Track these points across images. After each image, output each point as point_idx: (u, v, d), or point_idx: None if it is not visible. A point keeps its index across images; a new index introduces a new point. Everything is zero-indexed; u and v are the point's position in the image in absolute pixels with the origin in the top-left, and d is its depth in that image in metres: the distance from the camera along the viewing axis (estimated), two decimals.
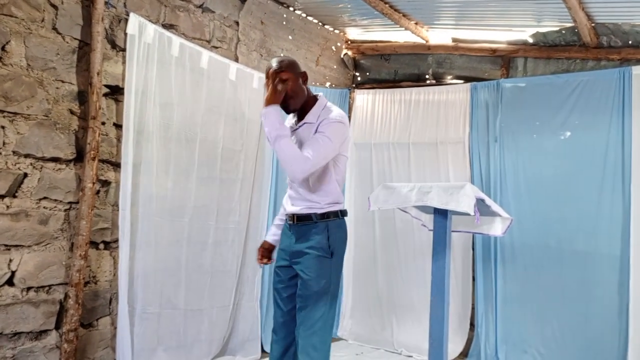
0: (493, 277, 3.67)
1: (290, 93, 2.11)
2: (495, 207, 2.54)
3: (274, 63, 2.13)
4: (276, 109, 2.02)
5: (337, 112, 2.12)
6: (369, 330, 4.15)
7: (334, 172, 2.12)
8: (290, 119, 2.25)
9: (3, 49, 2.40)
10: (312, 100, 2.17)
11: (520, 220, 3.53)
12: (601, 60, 3.65)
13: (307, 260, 2.09)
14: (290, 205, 2.20)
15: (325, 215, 2.11)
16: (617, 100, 3.36)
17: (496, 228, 2.68)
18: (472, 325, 3.82)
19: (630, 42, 3.52)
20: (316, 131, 2.07)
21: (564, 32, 3.68)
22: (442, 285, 2.55)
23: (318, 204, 2.12)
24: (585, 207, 3.39)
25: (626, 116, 3.31)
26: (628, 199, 3.25)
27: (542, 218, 3.54)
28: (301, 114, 2.18)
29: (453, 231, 2.69)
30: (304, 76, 2.17)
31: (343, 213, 2.18)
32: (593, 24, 3.46)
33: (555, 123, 3.58)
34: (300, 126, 2.16)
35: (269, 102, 2.02)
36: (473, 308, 3.81)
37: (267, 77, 2.12)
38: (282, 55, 2.30)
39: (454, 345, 3.72)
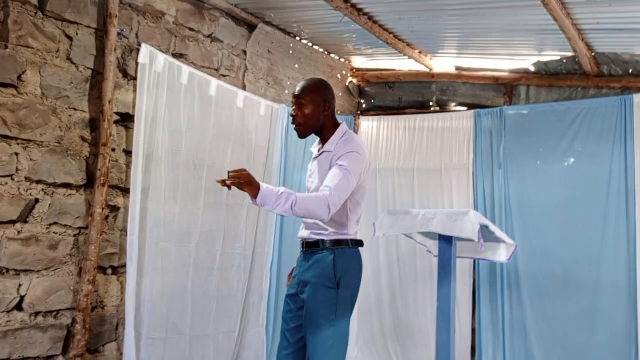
0: (499, 305, 3.64)
1: (301, 120, 2.12)
2: (499, 233, 2.56)
3: (298, 87, 2.14)
4: (262, 192, 1.85)
5: (354, 142, 2.09)
6: (374, 357, 4.11)
7: (348, 200, 2.03)
8: (316, 145, 2.23)
9: (19, 78, 2.48)
10: (334, 128, 2.16)
11: (524, 247, 3.53)
12: (602, 88, 3.71)
13: (311, 290, 2.02)
14: (302, 230, 2.16)
15: (332, 243, 2.04)
16: (619, 127, 3.40)
17: (500, 254, 2.70)
18: (472, 349, 3.78)
19: (630, 70, 3.58)
20: (331, 163, 2.04)
21: (565, 61, 3.75)
22: (448, 311, 2.55)
23: (326, 231, 2.06)
24: (590, 234, 3.40)
25: (628, 143, 3.34)
26: (633, 226, 3.26)
27: (546, 244, 3.54)
28: (323, 140, 2.17)
29: (458, 257, 2.71)
30: (326, 104, 2.13)
31: (355, 242, 2.09)
32: (593, 54, 3.53)
33: (559, 150, 3.61)
34: (320, 154, 2.16)
35: (251, 195, 1.86)
36: (473, 333, 3.78)
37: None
38: (312, 77, 2.28)
39: None
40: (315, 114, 2.12)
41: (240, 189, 1.85)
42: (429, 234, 2.89)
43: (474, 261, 3.77)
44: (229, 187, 1.84)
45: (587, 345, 3.34)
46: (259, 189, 1.85)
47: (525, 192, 3.67)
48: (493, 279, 3.70)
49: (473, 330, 3.79)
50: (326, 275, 2.01)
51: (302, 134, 2.16)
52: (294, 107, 2.15)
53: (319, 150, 2.19)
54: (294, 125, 2.16)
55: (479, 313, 3.73)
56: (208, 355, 3.24)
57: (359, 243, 2.12)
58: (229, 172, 1.85)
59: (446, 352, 2.51)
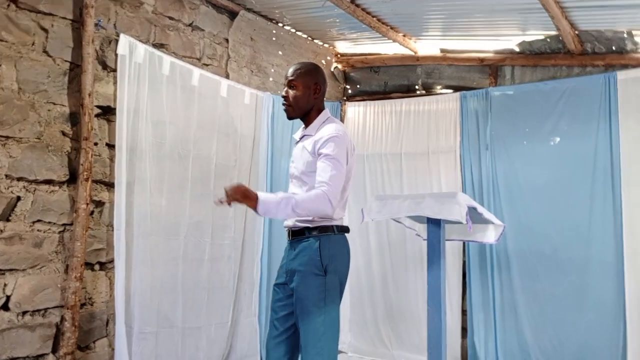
0: (490, 286, 3.67)
1: (291, 101, 2.14)
2: (487, 214, 2.56)
3: (290, 69, 2.18)
4: (261, 201, 1.91)
5: (335, 126, 2.09)
6: (368, 342, 4.14)
7: None
8: (300, 132, 2.24)
9: None
10: (318, 113, 2.18)
11: (513, 227, 3.55)
12: (586, 66, 3.71)
13: (299, 278, 2.03)
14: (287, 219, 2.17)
15: (318, 230, 2.04)
16: (604, 105, 3.41)
17: (489, 235, 2.70)
18: (463, 330, 3.82)
19: (613, 48, 3.58)
20: (315, 151, 2.04)
21: (549, 40, 3.74)
22: (438, 294, 2.56)
23: (311, 218, 2.05)
24: (577, 212, 3.42)
25: (613, 120, 3.36)
26: (619, 203, 3.28)
27: (535, 224, 3.56)
28: (306, 125, 2.20)
29: (447, 240, 2.71)
30: (317, 86, 2.17)
31: (340, 229, 2.10)
32: (577, 32, 3.52)
33: (545, 129, 3.62)
34: (301, 138, 2.19)
35: (251, 207, 1.92)
36: (464, 314, 3.81)
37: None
38: (305, 61, 2.33)
39: (452, 353, 3.71)
40: (305, 95, 2.15)
41: (240, 203, 1.90)
42: (417, 218, 2.89)
43: (464, 243, 3.79)
44: (230, 205, 1.90)
45: (576, 323, 3.38)
46: (257, 199, 1.91)
47: (513, 173, 3.68)
48: (483, 261, 3.72)
49: (464, 311, 3.83)
50: (313, 263, 2.02)
51: (292, 115, 2.19)
52: (285, 89, 2.18)
53: (301, 135, 2.21)
54: (284, 107, 2.19)
55: (470, 294, 3.76)
56: (201, 347, 3.23)
57: (345, 229, 2.13)
58: (225, 189, 1.91)
59: (438, 334, 2.53)
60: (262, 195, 1.93)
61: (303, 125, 2.23)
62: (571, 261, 3.43)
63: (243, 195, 1.90)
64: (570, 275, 3.43)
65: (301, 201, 1.94)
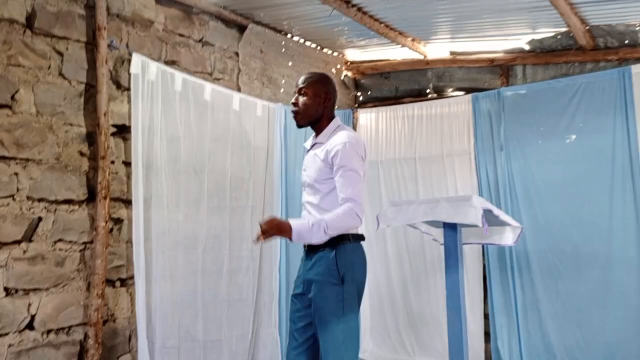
0: (511, 288, 3.62)
1: (301, 108, 2.17)
2: (503, 216, 2.54)
3: (302, 78, 2.23)
4: (295, 232, 1.99)
5: (345, 134, 2.11)
6: (389, 349, 4.11)
7: None
8: (311, 140, 2.26)
9: (13, 98, 2.48)
10: (329, 122, 2.20)
11: (532, 227, 3.50)
12: (599, 61, 3.67)
13: (317, 288, 2.04)
14: None
15: (333, 239, 2.03)
16: (619, 99, 3.36)
17: (507, 237, 2.68)
18: (486, 335, 3.77)
19: (626, 41, 3.53)
20: (328, 160, 2.06)
21: (559, 37, 3.71)
22: (458, 299, 2.54)
23: None
24: (597, 209, 3.36)
25: (629, 115, 3.30)
26: None
27: (554, 223, 3.51)
28: (317, 133, 2.22)
29: (464, 244, 2.69)
30: (327, 96, 2.19)
31: (356, 237, 2.10)
32: (587, 27, 3.48)
33: (560, 127, 3.57)
34: (312, 146, 2.21)
35: (287, 237, 2.00)
36: (486, 318, 3.76)
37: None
38: (316, 71, 2.38)
39: (475, 358, 3.67)
40: (315, 103, 2.17)
41: (277, 235, 2.00)
42: (433, 223, 2.88)
43: (483, 246, 3.75)
44: (265, 240, 2.01)
45: (602, 321, 3.31)
46: (290, 229, 1.99)
47: (529, 173, 3.64)
48: (503, 263, 3.67)
49: (486, 315, 3.78)
50: (330, 272, 2.03)
51: (300, 122, 2.21)
52: (296, 96, 2.21)
53: (312, 143, 2.23)
54: (293, 114, 2.21)
55: (491, 298, 3.71)
56: (223, 359, 3.24)
57: (361, 237, 2.14)
58: (260, 225, 2.00)
59: (459, 339, 2.51)
60: (294, 223, 1.99)
61: (314, 134, 2.25)
62: (593, 258, 3.37)
63: (278, 229, 1.98)
64: (593, 272, 3.36)
65: (331, 222, 1.98)
